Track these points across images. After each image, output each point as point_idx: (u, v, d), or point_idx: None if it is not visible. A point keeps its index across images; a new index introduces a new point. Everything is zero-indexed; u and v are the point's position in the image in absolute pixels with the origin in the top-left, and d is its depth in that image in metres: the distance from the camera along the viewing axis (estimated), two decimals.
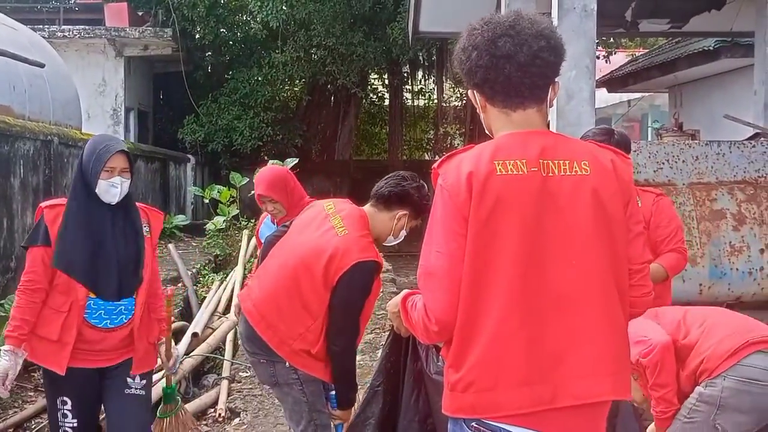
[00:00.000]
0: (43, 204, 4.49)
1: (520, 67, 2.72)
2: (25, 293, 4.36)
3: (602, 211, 2.72)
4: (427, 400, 3.76)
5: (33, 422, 6.78)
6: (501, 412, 2.65)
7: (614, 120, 27.70)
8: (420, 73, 26.15)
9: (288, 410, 4.68)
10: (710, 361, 4.02)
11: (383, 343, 4.13)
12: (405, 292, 2.98)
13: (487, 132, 2.91)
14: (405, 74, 25.38)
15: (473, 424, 2.69)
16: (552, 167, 2.70)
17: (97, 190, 4.40)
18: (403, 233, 4.65)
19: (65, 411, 4.47)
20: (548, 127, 2.91)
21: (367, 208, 4.63)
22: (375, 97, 26.99)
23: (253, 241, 13.18)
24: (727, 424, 4.00)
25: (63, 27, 18.78)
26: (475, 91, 2.84)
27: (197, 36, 21.87)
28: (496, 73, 2.73)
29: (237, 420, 7.05)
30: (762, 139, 10.06)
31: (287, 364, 4.49)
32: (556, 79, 2.83)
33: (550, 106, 2.86)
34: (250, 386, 7.62)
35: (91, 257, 4.40)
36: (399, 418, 3.85)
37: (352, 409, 4.56)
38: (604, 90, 22.12)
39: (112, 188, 4.41)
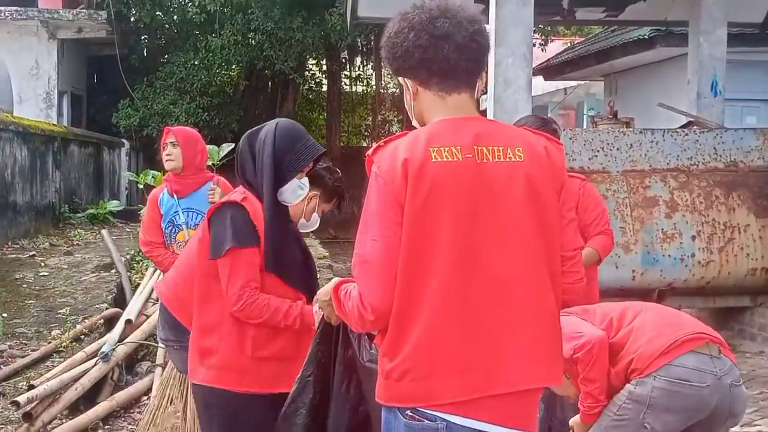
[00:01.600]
0: (235, 197, 3.95)
1: (458, 48, 2.73)
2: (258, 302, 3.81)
3: (535, 197, 2.73)
4: (359, 387, 3.75)
5: None
6: (436, 401, 2.65)
7: (550, 108, 27.95)
8: (358, 59, 25.99)
9: None
10: (640, 360, 4.02)
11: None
12: (336, 280, 2.97)
13: (416, 122, 2.89)
14: (343, 60, 25.23)
15: (408, 412, 2.68)
16: (486, 154, 2.70)
17: (282, 188, 3.91)
18: (315, 217, 4.54)
19: None
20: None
21: None
22: (313, 82, 26.85)
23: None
24: (656, 423, 4.03)
25: None
26: (407, 78, 2.83)
27: (133, 19, 21.53)
28: (435, 53, 2.74)
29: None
30: (695, 127, 10.23)
31: None
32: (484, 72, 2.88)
33: (478, 97, 2.87)
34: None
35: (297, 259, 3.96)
36: (330, 407, 3.84)
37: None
38: (540, 78, 22.31)
39: (299, 190, 4.01)
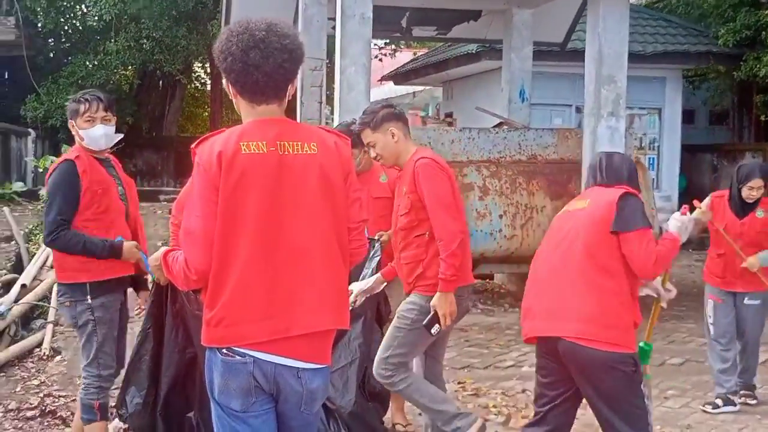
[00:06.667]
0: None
1: (266, 75, 2.85)
2: None
3: (327, 181, 2.91)
4: (186, 333, 3.88)
5: None
6: (245, 341, 2.81)
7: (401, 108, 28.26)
8: None
9: (83, 346, 4.55)
10: None
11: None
12: (164, 249, 3.09)
13: (237, 111, 3.03)
14: None
15: (224, 350, 2.84)
16: (287, 147, 2.87)
17: None
18: None
19: None
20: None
21: None
22: (198, 83, 26.77)
23: None
24: None
25: None
26: (228, 84, 2.98)
27: (39, 25, 21.01)
28: (246, 78, 2.86)
29: (58, 357, 6.98)
30: (505, 127, 10.63)
31: (88, 300, 4.35)
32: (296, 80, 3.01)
33: (289, 99, 3.01)
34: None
35: None
36: (163, 351, 3.97)
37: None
38: (391, 83, 22.60)
39: None
